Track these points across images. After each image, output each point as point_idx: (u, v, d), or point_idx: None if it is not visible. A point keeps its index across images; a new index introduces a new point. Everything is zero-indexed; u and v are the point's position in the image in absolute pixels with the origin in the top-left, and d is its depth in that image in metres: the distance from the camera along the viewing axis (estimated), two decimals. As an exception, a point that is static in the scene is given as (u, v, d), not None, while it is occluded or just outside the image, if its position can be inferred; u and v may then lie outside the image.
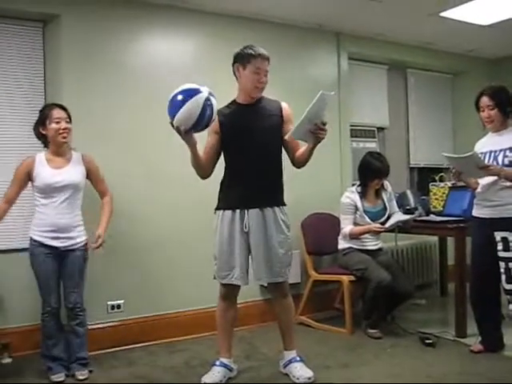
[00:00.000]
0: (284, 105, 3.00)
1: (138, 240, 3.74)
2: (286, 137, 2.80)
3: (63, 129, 3.06)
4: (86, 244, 3.15)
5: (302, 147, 2.90)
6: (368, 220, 3.96)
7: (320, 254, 4.39)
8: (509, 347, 3.36)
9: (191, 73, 3.75)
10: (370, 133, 5.25)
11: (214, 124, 2.81)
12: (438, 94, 5.83)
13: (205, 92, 2.56)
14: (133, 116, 3.75)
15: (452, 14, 4.33)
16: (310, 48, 4.64)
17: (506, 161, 3.09)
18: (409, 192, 4.58)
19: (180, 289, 3.88)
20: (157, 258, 3.81)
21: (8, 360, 3.31)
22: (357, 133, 5.11)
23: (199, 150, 2.80)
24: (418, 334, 3.71)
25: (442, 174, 4.94)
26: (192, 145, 2.70)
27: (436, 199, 4.64)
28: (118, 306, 3.68)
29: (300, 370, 2.97)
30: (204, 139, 2.92)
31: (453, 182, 4.25)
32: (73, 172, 3.11)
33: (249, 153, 2.88)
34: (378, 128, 5.33)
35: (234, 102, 2.99)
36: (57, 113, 3.07)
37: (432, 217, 4.22)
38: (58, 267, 3.07)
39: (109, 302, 3.65)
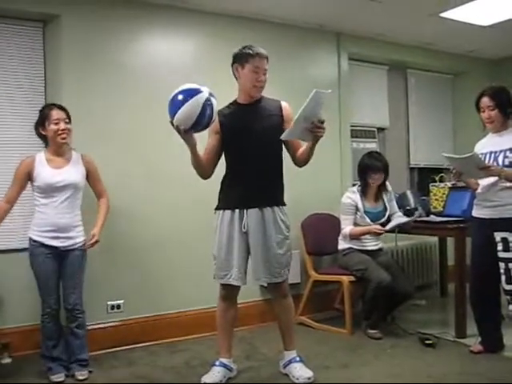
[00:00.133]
0: (284, 104, 2.99)
1: (138, 240, 3.74)
2: (282, 137, 2.77)
3: (62, 130, 3.05)
4: (84, 244, 3.15)
5: (303, 146, 2.89)
6: (368, 221, 3.96)
7: (320, 255, 4.39)
8: (509, 348, 3.36)
9: (191, 73, 3.75)
10: (370, 133, 5.24)
11: (215, 124, 2.80)
12: (438, 94, 5.82)
13: (205, 92, 2.56)
14: (133, 116, 3.76)
15: (452, 14, 4.33)
16: (310, 48, 4.63)
17: (507, 161, 3.09)
18: (409, 192, 4.59)
19: (180, 289, 3.88)
20: (157, 258, 3.81)
21: (8, 360, 3.30)
22: (357, 133, 5.11)
23: (199, 151, 2.80)
24: (418, 335, 3.70)
25: (442, 174, 4.93)
26: (192, 145, 2.70)
27: (436, 200, 4.63)
28: (118, 306, 3.68)
29: (300, 371, 2.97)
30: (204, 139, 2.92)
31: (453, 182, 4.25)
32: (73, 172, 3.11)
33: (249, 153, 2.88)
34: (378, 128, 5.33)
35: (234, 102, 2.99)
36: (56, 113, 3.07)
37: (432, 217, 4.21)
38: (58, 267, 3.07)
39: (109, 302, 3.65)
